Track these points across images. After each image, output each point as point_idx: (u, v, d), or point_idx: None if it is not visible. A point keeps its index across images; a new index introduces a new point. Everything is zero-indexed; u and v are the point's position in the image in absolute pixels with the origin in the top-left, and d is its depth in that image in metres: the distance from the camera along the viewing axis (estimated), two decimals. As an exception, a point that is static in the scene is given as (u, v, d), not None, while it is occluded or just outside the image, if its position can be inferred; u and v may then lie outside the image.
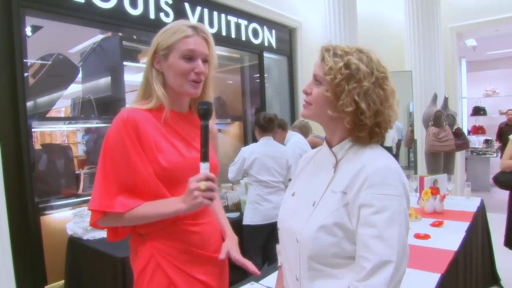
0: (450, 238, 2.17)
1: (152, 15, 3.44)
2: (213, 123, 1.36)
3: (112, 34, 3.45)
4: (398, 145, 6.74)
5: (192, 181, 1.03)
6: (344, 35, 4.90)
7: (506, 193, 3.04)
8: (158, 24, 3.38)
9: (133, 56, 4.17)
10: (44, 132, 4.87)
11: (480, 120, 9.00)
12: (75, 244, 2.58)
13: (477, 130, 8.82)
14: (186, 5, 3.75)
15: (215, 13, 4.09)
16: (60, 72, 3.37)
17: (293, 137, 3.82)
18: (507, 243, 3.00)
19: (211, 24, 4.02)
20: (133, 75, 4.63)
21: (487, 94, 9.21)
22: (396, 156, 6.94)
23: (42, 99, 3.42)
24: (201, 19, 3.89)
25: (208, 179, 1.03)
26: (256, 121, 3.22)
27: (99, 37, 3.56)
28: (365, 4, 5.78)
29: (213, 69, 1.23)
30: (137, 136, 1.10)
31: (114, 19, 3.18)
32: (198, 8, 3.87)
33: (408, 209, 0.90)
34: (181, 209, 1.06)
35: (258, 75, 4.89)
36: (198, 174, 1.03)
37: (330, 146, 1.03)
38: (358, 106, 0.91)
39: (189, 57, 1.14)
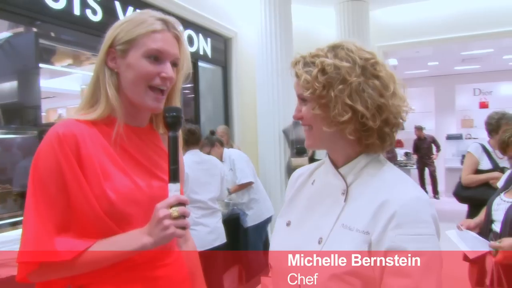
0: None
1: (76, 11, 3.01)
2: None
3: (25, 30, 2.93)
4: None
5: (161, 208, 0.80)
6: (280, 47, 4.93)
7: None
8: (82, 22, 3.06)
9: (48, 57, 3.63)
10: None
11: (398, 134, 9.67)
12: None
13: (396, 143, 9.47)
14: (117, 3, 3.37)
15: (148, 16, 3.75)
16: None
17: (233, 153, 3.56)
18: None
19: (144, 27, 3.67)
20: (47, 80, 4.05)
21: (404, 111, 9.96)
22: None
23: None
24: (132, 21, 3.54)
25: (180, 203, 0.80)
26: None
27: (7, 32, 3.01)
28: (300, 19, 5.87)
29: (183, 75, 0.98)
30: (77, 158, 0.81)
31: (28, 11, 2.70)
32: (130, 9, 3.51)
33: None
34: (147, 243, 0.81)
35: (192, 84, 4.62)
36: (167, 198, 0.81)
37: (336, 166, 0.83)
38: (354, 110, 0.75)
39: (155, 57, 0.89)
